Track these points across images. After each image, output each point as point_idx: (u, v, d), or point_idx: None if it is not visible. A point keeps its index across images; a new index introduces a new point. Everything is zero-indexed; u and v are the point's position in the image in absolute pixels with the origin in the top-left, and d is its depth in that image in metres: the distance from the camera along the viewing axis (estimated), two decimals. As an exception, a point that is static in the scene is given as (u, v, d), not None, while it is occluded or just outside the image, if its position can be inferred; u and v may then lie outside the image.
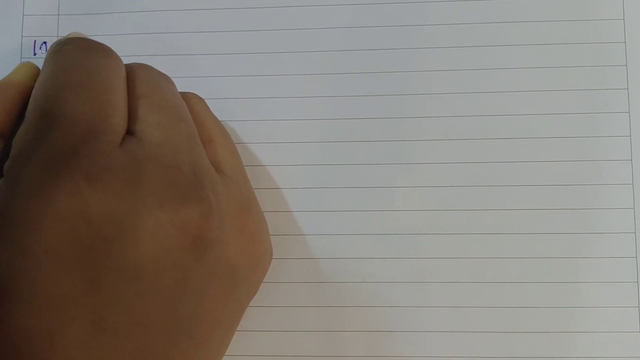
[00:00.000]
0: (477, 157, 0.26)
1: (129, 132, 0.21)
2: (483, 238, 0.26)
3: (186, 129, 0.22)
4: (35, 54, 0.28)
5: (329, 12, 0.27)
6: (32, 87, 0.22)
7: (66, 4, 0.28)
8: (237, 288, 0.22)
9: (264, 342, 0.26)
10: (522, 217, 0.26)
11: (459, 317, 0.26)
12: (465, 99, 0.26)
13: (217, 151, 0.24)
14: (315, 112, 0.27)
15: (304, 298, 0.26)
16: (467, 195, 0.26)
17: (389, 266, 0.26)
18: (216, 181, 0.22)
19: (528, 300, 0.26)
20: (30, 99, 0.21)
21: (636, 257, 0.26)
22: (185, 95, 0.24)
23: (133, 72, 0.23)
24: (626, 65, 0.26)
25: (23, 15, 0.28)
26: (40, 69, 0.23)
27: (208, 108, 0.25)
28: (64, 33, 0.28)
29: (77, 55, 0.22)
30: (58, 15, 0.28)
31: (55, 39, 0.28)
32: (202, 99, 0.25)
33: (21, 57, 0.28)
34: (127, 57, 0.24)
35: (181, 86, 0.24)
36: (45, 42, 0.28)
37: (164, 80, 0.23)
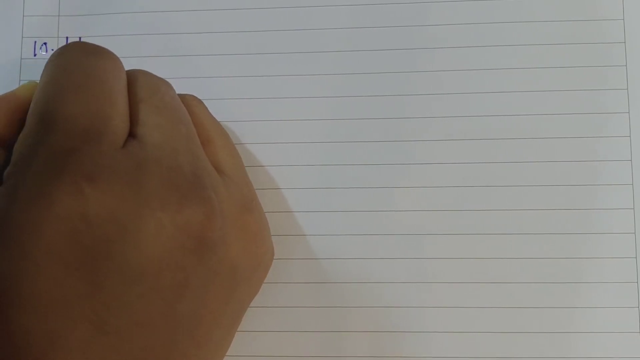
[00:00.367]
0: (478, 157, 0.26)
1: (131, 134, 0.21)
2: (484, 238, 0.26)
3: (186, 131, 0.22)
4: (35, 55, 0.28)
5: (330, 13, 0.27)
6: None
7: (66, 5, 0.28)
8: (239, 288, 0.22)
9: (265, 342, 0.26)
10: (522, 217, 0.26)
11: (460, 317, 0.26)
12: (466, 99, 0.26)
13: (217, 152, 0.24)
14: (317, 112, 0.27)
15: (306, 298, 0.26)
16: (469, 195, 0.26)
17: (391, 267, 0.26)
18: (217, 182, 0.22)
19: (528, 301, 0.26)
20: (31, 104, 0.21)
21: (636, 258, 0.26)
22: (184, 98, 0.24)
23: (133, 77, 0.23)
24: (626, 65, 0.26)
25: (23, 16, 0.28)
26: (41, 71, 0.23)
27: (207, 110, 0.25)
28: (64, 34, 0.28)
29: (76, 58, 0.22)
30: (58, 16, 0.28)
31: (55, 40, 0.28)
32: (201, 101, 0.25)
33: (21, 58, 0.28)
34: (128, 57, 0.24)
35: (181, 87, 0.24)
36: (45, 43, 0.28)
37: (163, 84, 0.23)
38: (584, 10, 0.27)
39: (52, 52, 0.23)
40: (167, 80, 0.24)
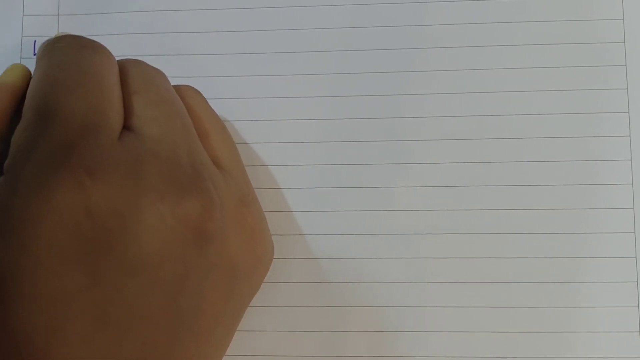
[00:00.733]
0: (478, 157, 0.26)
1: (125, 126, 0.21)
2: (484, 238, 0.26)
3: (182, 123, 0.22)
4: (35, 54, 0.28)
5: (328, 13, 0.27)
6: (23, 88, 0.22)
7: (66, 4, 0.28)
8: (238, 284, 0.22)
9: (264, 342, 0.26)
10: (522, 217, 0.26)
11: (459, 317, 0.26)
12: (465, 99, 0.26)
13: (215, 145, 0.24)
14: (315, 112, 0.27)
15: (305, 298, 0.26)
16: (468, 195, 0.26)
17: (390, 266, 0.26)
18: (215, 175, 0.22)
19: (528, 300, 0.26)
20: (26, 98, 0.21)
21: (636, 257, 0.26)
22: (180, 89, 0.24)
23: (125, 68, 0.23)
24: (625, 65, 0.26)
25: (23, 15, 0.28)
26: (33, 69, 0.23)
27: (205, 101, 0.25)
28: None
29: (70, 52, 0.22)
30: (58, 15, 0.28)
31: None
32: (197, 92, 0.25)
33: (21, 57, 0.28)
34: (127, 56, 0.24)
35: (181, 86, 0.24)
36: (45, 42, 0.28)
37: (157, 74, 0.23)
38: (583, 10, 0.27)
39: (42, 44, 0.23)
40: (166, 79, 0.24)
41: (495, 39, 0.27)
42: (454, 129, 0.26)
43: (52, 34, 0.28)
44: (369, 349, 0.26)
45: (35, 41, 0.28)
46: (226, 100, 0.27)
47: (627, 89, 0.26)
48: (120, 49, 0.23)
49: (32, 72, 0.23)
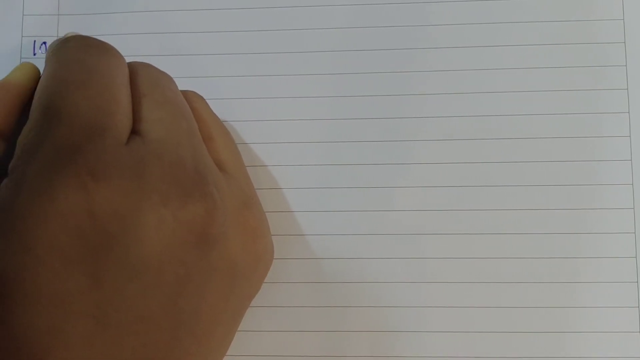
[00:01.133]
0: (478, 157, 0.26)
1: (133, 130, 0.21)
2: (484, 238, 0.26)
3: (188, 126, 0.22)
4: (35, 54, 0.28)
5: (329, 13, 0.27)
6: (31, 88, 0.22)
7: (66, 4, 0.28)
8: (239, 285, 0.23)
9: (265, 342, 0.26)
10: (522, 217, 0.26)
11: (461, 316, 0.26)
12: (466, 99, 0.27)
13: (218, 149, 0.24)
14: (316, 112, 0.27)
15: (305, 298, 0.26)
16: (469, 195, 0.26)
17: (391, 266, 0.26)
18: (218, 178, 0.22)
19: (529, 300, 0.26)
20: (34, 98, 0.21)
21: (636, 257, 0.26)
22: (185, 94, 0.24)
23: (134, 71, 0.23)
24: (626, 65, 0.26)
25: (23, 15, 0.28)
26: (41, 68, 0.23)
27: (208, 106, 0.25)
28: (64, 33, 0.28)
29: (79, 53, 0.22)
30: (58, 15, 0.28)
31: (55, 39, 0.28)
32: (202, 97, 0.25)
33: (21, 57, 0.28)
34: (128, 57, 0.24)
35: (181, 86, 0.24)
36: (45, 42, 0.28)
37: (165, 78, 0.23)
38: (583, 10, 0.27)
39: (52, 44, 0.23)
40: (168, 79, 0.24)
41: (497, 39, 0.27)
42: (454, 129, 0.26)
43: (52, 33, 0.28)
44: (370, 349, 0.26)
45: (34, 41, 0.28)
46: (227, 100, 0.27)
47: (627, 89, 0.26)
48: (120, 49, 0.23)
49: (41, 72, 0.23)
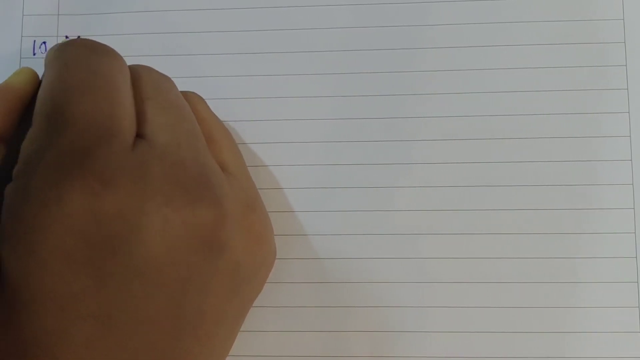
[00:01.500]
0: (479, 157, 0.26)
1: (138, 134, 0.21)
2: (484, 238, 0.26)
3: (192, 129, 0.22)
4: (34, 54, 0.28)
5: (331, 12, 0.27)
6: (31, 92, 0.22)
7: (66, 4, 0.28)
8: (242, 286, 0.23)
9: (266, 342, 0.26)
10: (522, 217, 0.26)
11: (461, 317, 0.26)
12: (466, 99, 0.26)
13: (221, 150, 0.24)
14: (317, 112, 0.27)
15: (307, 298, 0.26)
16: (469, 195, 0.26)
17: (392, 266, 0.26)
18: (222, 181, 0.22)
19: (529, 301, 0.26)
20: (37, 102, 0.21)
21: (636, 257, 0.26)
22: (186, 95, 0.24)
23: (136, 74, 0.23)
24: (626, 65, 0.26)
25: (23, 15, 0.28)
26: (40, 69, 0.23)
27: (208, 107, 0.25)
28: (63, 33, 0.28)
29: (81, 56, 0.21)
30: (58, 15, 0.28)
31: (55, 39, 0.28)
32: (202, 98, 0.25)
33: (21, 57, 0.28)
34: (127, 57, 0.23)
35: (181, 86, 0.24)
36: (44, 42, 0.28)
37: (167, 81, 0.23)
38: (583, 10, 0.27)
39: (51, 48, 0.22)
40: (167, 79, 0.24)
41: (497, 39, 0.27)
42: (454, 129, 0.26)
43: (52, 33, 0.28)
44: (371, 349, 0.26)
45: (34, 41, 0.28)
46: (227, 100, 0.27)
47: (627, 89, 0.26)
48: (120, 49, 0.23)
49: (40, 76, 0.22)
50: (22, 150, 0.20)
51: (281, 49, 0.27)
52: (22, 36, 0.28)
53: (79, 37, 0.28)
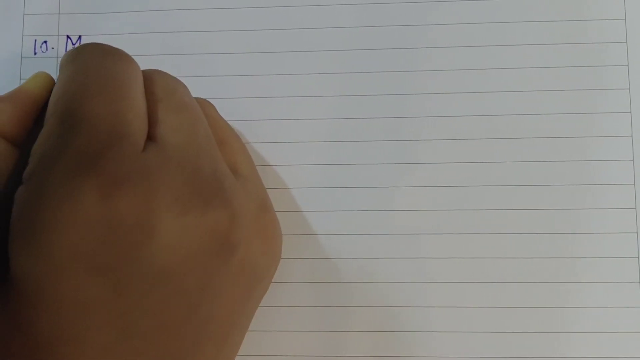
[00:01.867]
0: (479, 157, 0.26)
1: (150, 135, 0.21)
2: (485, 238, 0.26)
3: (204, 132, 0.22)
4: (35, 53, 0.28)
5: (334, 12, 0.27)
6: (45, 97, 0.22)
7: (67, 3, 0.28)
8: (255, 286, 0.23)
9: (267, 341, 0.26)
10: (524, 217, 0.26)
11: (460, 317, 0.26)
12: (468, 98, 0.26)
13: (232, 152, 0.24)
14: (321, 111, 0.27)
15: (309, 298, 0.26)
16: (470, 195, 0.26)
17: (394, 266, 0.26)
18: (235, 184, 0.22)
19: (530, 301, 0.26)
20: (49, 104, 0.21)
21: (638, 257, 0.26)
22: (196, 100, 0.24)
23: (150, 77, 0.22)
24: (628, 65, 0.26)
25: (24, 14, 0.28)
26: (41, 69, 0.22)
27: (218, 113, 0.25)
28: (64, 32, 0.28)
29: (94, 60, 0.21)
30: (59, 14, 0.28)
31: (55, 38, 0.28)
32: (212, 104, 0.25)
33: (21, 57, 0.28)
34: (128, 56, 0.24)
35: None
36: (45, 41, 0.28)
37: (180, 84, 0.23)
38: (585, 10, 0.27)
39: (67, 52, 0.22)
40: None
41: (499, 39, 0.27)
42: (456, 128, 0.26)
43: (53, 33, 0.28)
44: (373, 348, 0.26)
45: (35, 40, 0.28)
46: (229, 100, 0.27)
47: (629, 89, 0.26)
48: (120, 48, 0.23)
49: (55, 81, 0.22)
50: (34, 152, 0.20)
51: (284, 48, 0.27)
52: (23, 35, 0.28)
53: (80, 37, 0.28)
